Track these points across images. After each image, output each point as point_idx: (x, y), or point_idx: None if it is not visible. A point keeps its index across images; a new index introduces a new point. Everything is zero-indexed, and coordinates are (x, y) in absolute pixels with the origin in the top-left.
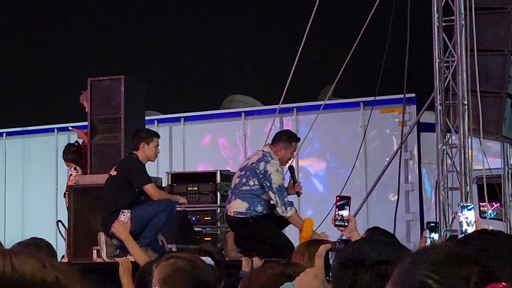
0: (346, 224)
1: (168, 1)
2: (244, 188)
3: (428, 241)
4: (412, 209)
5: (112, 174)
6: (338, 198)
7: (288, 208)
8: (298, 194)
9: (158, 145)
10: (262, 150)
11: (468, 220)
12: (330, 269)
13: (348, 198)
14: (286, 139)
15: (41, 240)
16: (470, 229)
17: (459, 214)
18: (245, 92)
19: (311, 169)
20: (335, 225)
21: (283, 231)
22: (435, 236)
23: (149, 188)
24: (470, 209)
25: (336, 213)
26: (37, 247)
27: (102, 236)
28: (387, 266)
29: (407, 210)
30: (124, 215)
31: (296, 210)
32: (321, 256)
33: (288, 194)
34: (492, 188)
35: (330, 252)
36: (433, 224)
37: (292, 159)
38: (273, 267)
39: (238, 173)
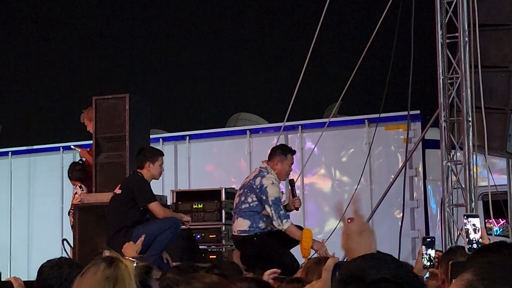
0: (434, 264)
1: (173, 19)
2: (244, 206)
3: (425, 257)
4: (417, 226)
5: (117, 193)
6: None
7: (284, 221)
8: (297, 208)
9: (163, 163)
10: (260, 167)
11: (474, 226)
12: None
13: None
14: (281, 152)
15: (73, 260)
16: (477, 236)
17: (465, 221)
18: (251, 110)
19: (317, 187)
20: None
21: (291, 250)
22: (432, 252)
23: (154, 206)
24: (475, 216)
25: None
26: (70, 267)
27: (107, 254)
28: (387, 284)
29: (412, 227)
30: (140, 239)
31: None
32: (328, 270)
33: (289, 210)
34: (498, 204)
35: (337, 268)
36: (430, 240)
37: (290, 172)
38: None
39: (239, 192)
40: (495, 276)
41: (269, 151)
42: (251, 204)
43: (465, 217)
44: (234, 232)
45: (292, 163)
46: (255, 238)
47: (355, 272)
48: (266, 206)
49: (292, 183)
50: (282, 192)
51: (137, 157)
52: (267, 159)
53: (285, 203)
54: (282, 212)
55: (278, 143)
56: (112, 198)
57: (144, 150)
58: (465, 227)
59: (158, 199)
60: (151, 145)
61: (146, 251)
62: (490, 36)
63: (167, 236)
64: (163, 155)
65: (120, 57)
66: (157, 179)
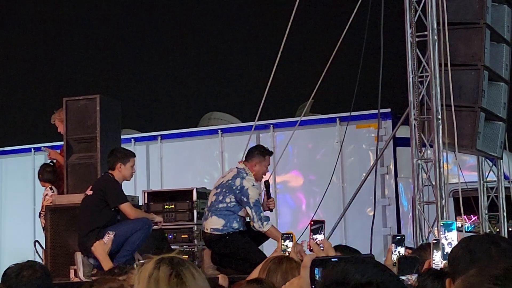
0: (322, 248)
1: (144, 19)
2: (220, 205)
3: (394, 255)
4: (389, 224)
5: (88, 194)
6: (312, 223)
7: (265, 223)
8: (271, 209)
9: (134, 164)
10: (237, 167)
11: (451, 241)
12: (315, 281)
13: (322, 222)
14: (260, 153)
15: (37, 263)
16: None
17: (442, 235)
18: (224, 109)
19: (289, 185)
20: (311, 250)
21: (260, 247)
22: (401, 249)
23: (125, 207)
24: (451, 230)
25: (311, 237)
26: (31, 269)
27: (78, 256)
28: None
29: (384, 224)
30: (108, 236)
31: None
32: (306, 267)
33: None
34: (468, 201)
35: (315, 264)
36: (399, 238)
37: (266, 173)
38: (241, 284)
39: (214, 191)
40: (499, 273)
41: (243, 151)
42: (229, 204)
43: (442, 228)
44: (206, 229)
45: (269, 164)
46: (227, 237)
47: (339, 277)
48: (247, 208)
49: (267, 184)
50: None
51: (108, 158)
52: (243, 160)
53: None
54: (263, 214)
55: (249, 142)
56: (84, 199)
57: (115, 151)
58: (441, 241)
59: (129, 200)
60: (123, 145)
61: (118, 252)
62: (459, 34)
63: (139, 236)
64: (134, 156)
65: (91, 58)
66: (128, 180)
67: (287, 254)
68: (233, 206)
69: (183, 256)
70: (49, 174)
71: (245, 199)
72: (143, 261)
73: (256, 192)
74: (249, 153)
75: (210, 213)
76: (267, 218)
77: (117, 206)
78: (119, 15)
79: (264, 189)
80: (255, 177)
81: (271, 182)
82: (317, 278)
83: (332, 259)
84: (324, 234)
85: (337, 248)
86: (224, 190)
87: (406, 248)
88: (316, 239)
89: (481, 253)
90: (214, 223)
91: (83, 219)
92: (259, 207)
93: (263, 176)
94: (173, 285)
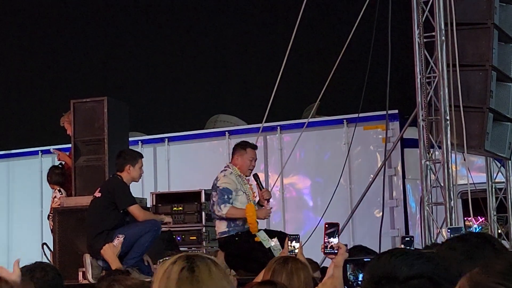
0: (336, 251)
1: (151, 22)
2: (215, 207)
3: None
4: (397, 225)
5: (97, 196)
6: (327, 226)
7: (222, 206)
8: (267, 199)
9: (142, 165)
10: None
11: None
12: (347, 280)
13: (337, 225)
14: (240, 147)
15: (48, 264)
16: None
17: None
18: (230, 111)
19: (296, 187)
20: (325, 253)
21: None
22: None
23: (134, 209)
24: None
25: (326, 240)
26: (43, 271)
27: (87, 258)
28: (420, 280)
29: (392, 226)
30: (117, 239)
31: (232, 205)
32: (340, 267)
33: (261, 204)
34: (477, 202)
35: (348, 264)
36: (408, 239)
37: (253, 166)
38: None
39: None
40: (502, 271)
41: None
42: None
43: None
44: (217, 235)
45: (254, 158)
46: (236, 238)
47: (386, 271)
48: (213, 193)
49: (256, 177)
50: (251, 185)
51: (117, 160)
52: None
53: (257, 199)
54: (224, 199)
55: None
56: (92, 202)
57: (123, 153)
58: None
59: (138, 201)
60: (130, 148)
61: (127, 254)
62: (467, 35)
63: (148, 238)
64: (142, 157)
65: (98, 60)
66: (137, 182)
67: (294, 255)
68: None
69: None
70: (58, 177)
71: (215, 185)
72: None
73: (225, 180)
74: (232, 149)
75: (214, 219)
76: (226, 201)
77: (126, 208)
78: (126, 18)
79: (255, 182)
80: (241, 170)
81: (278, 184)
82: (348, 274)
83: (365, 259)
84: (338, 237)
85: (355, 249)
86: (214, 192)
87: (415, 249)
88: (331, 242)
89: (477, 251)
90: (218, 227)
91: (91, 221)
92: (223, 194)
93: (251, 169)
94: (183, 279)
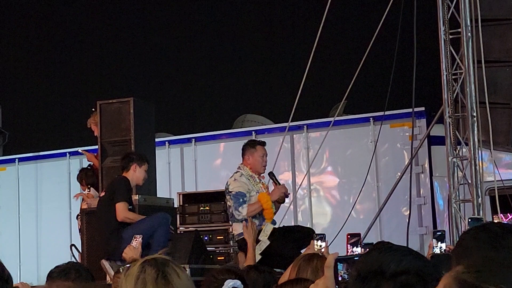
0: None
1: (177, 22)
2: (230, 211)
3: (437, 250)
4: (425, 223)
5: (101, 196)
6: (349, 236)
7: (240, 209)
8: (287, 195)
9: (147, 169)
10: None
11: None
12: (339, 280)
13: (358, 235)
14: (249, 145)
15: (80, 265)
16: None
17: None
18: (256, 111)
19: (323, 185)
20: None
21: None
22: (443, 245)
23: (118, 206)
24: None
25: (350, 250)
26: (77, 272)
27: (105, 264)
28: (408, 276)
29: (420, 224)
30: (136, 240)
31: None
32: (330, 267)
33: (280, 201)
34: (505, 199)
35: (339, 263)
36: (440, 233)
37: (266, 163)
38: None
39: None
40: (486, 268)
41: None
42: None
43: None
44: (235, 237)
45: (265, 153)
46: None
47: (374, 267)
48: (228, 198)
49: (271, 175)
50: (266, 185)
51: (122, 160)
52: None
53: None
54: (240, 201)
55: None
56: (98, 202)
57: (130, 153)
58: None
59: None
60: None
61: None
62: (493, 31)
63: (162, 233)
64: (149, 162)
65: (124, 60)
66: (140, 185)
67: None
68: None
69: (218, 258)
70: (92, 178)
71: (228, 191)
72: (128, 265)
73: (237, 185)
74: (242, 150)
75: (232, 222)
76: (242, 203)
77: (117, 202)
78: (152, 17)
79: (270, 180)
80: (253, 169)
81: (305, 183)
82: (339, 273)
83: (355, 258)
84: (361, 247)
85: (378, 245)
86: (227, 196)
87: (447, 246)
88: (356, 252)
89: (500, 241)
90: (236, 229)
91: (100, 221)
92: (238, 199)
93: (263, 166)
94: (161, 286)
